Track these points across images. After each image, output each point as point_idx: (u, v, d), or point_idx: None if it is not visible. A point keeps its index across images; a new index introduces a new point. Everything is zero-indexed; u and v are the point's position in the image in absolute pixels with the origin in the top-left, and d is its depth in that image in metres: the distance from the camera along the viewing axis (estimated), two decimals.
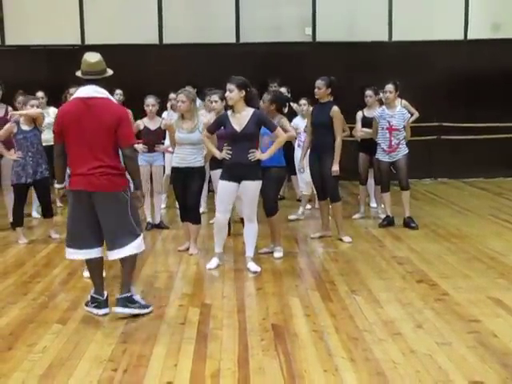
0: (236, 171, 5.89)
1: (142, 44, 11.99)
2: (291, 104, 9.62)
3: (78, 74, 4.68)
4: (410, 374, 3.69)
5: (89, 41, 12.01)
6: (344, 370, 3.76)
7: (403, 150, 7.77)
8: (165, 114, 8.89)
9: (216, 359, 3.94)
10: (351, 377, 3.67)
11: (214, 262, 6.12)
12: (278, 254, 6.50)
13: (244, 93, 5.84)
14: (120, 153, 4.70)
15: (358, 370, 3.75)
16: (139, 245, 4.75)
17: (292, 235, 7.54)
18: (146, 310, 4.78)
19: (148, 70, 11.66)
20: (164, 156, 8.14)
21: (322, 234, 7.32)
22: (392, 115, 7.74)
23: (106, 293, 4.84)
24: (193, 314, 4.80)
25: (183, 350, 4.09)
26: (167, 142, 7.63)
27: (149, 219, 7.99)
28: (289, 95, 9.69)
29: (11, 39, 12.05)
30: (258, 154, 5.88)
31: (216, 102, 6.98)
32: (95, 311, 4.77)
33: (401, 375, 3.68)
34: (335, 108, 6.99)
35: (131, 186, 4.83)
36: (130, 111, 9.10)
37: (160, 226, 7.98)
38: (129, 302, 4.72)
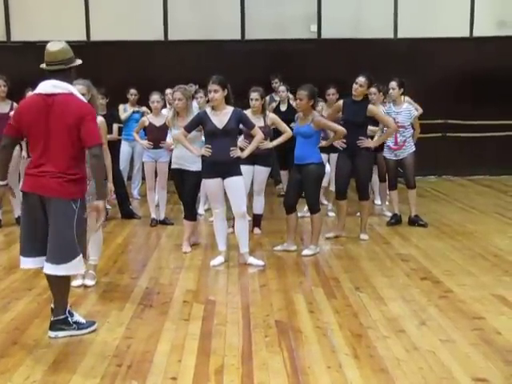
0: (217, 168, 5.93)
1: (148, 40, 11.98)
2: (290, 102, 9.63)
3: (43, 65, 4.27)
4: (414, 370, 3.70)
5: (94, 37, 12.01)
6: (347, 366, 3.77)
7: (409, 148, 7.72)
8: (165, 111, 8.85)
9: (220, 355, 3.96)
10: (355, 373, 3.68)
11: (218, 260, 6.14)
12: (307, 251, 6.45)
13: (226, 92, 5.90)
14: (86, 156, 4.27)
15: (362, 367, 3.76)
16: (75, 266, 4.23)
17: (296, 232, 7.53)
18: (86, 330, 4.36)
19: (153, 67, 11.65)
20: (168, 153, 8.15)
21: (337, 233, 7.23)
22: (398, 112, 7.70)
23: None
24: (197, 310, 4.82)
25: (187, 346, 4.11)
26: (168, 139, 7.67)
27: (153, 215, 8.01)
28: (288, 93, 9.69)
29: (17, 35, 12.07)
30: (239, 152, 5.97)
31: (257, 100, 7.03)
32: None
33: (404, 372, 3.68)
34: (371, 106, 6.93)
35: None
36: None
37: (165, 222, 8.01)
38: (64, 324, 4.32)
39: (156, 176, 8.02)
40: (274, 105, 9.92)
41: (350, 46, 12.04)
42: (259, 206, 7.41)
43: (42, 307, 4.89)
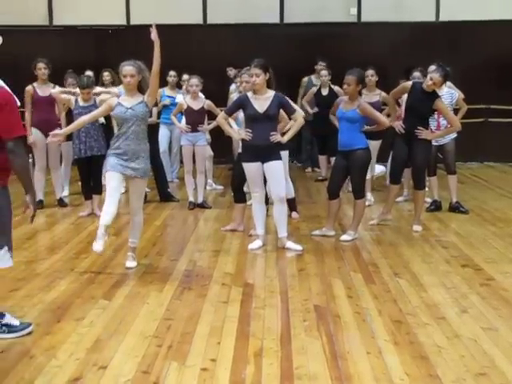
0: (257, 152, 5.91)
1: (187, 24, 12.00)
2: (332, 86, 9.57)
3: None
4: (455, 358, 3.65)
5: (134, 21, 12.09)
6: (387, 352, 3.75)
7: (451, 134, 7.60)
8: (180, 98, 8.83)
9: (259, 338, 3.97)
10: (394, 360, 3.65)
11: (256, 244, 6.14)
12: (346, 236, 6.41)
13: (268, 76, 5.85)
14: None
15: (402, 353, 3.72)
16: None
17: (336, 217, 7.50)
18: (19, 334, 3.98)
19: (192, 50, 11.68)
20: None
21: (383, 218, 7.06)
22: (440, 95, 7.56)
23: None
24: (235, 293, 4.84)
25: (226, 329, 4.13)
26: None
27: (191, 199, 8.06)
28: (329, 77, 9.62)
29: (59, 20, 12.21)
30: (279, 137, 5.94)
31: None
32: None
33: (445, 359, 3.64)
34: (438, 101, 6.59)
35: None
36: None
37: (203, 206, 8.05)
38: None
39: (194, 159, 8.06)
40: (315, 89, 9.87)
41: (390, 29, 11.87)
42: (289, 190, 7.33)
43: (83, 287, 4.98)
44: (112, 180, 5.34)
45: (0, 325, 3.99)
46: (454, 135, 7.62)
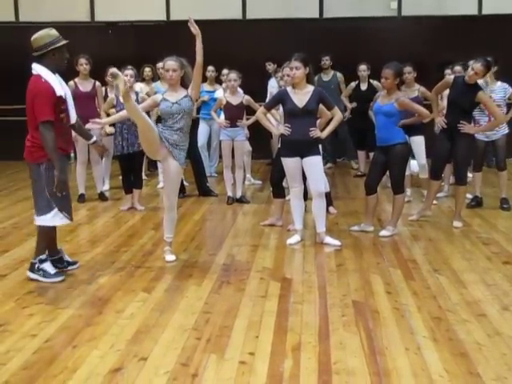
0: (296, 147, 5.90)
1: (226, 19, 12.04)
2: (371, 81, 9.50)
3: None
4: (496, 356, 3.60)
5: (174, 16, 12.19)
6: (426, 349, 3.72)
7: (503, 130, 7.45)
8: (219, 93, 8.88)
9: (297, 333, 3.98)
10: (433, 356, 3.62)
11: (294, 239, 6.15)
12: (385, 232, 6.38)
13: (307, 70, 5.83)
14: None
15: (441, 350, 3.69)
16: (49, 219, 4.91)
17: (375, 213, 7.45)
18: (49, 280, 4.95)
19: (231, 45, 11.71)
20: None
21: (422, 214, 6.99)
22: (492, 90, 7.43)
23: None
24: (274, 288, 4.85)
25: (264, 323, 4.15)
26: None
27: (230, 193, 8.10)
28: (368, 72, 9.55)
29: (100, 16, 12.38)
30: (318, 132, 5.91)
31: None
32: None
33: (486, 357, 3.59)
34: (481, 93, 6.44)
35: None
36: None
37: (241, 201, 8.08)
38: (33, 267, 4.99)
39: (233, 154, 8.09)
40: (354, 84, 9.81)
41: (431, 23, 11.71)
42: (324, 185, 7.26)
43: (123, 280, 5.05)
44: None
45: (38, 268, 4.96)
46: (505, 131, 7.48)
